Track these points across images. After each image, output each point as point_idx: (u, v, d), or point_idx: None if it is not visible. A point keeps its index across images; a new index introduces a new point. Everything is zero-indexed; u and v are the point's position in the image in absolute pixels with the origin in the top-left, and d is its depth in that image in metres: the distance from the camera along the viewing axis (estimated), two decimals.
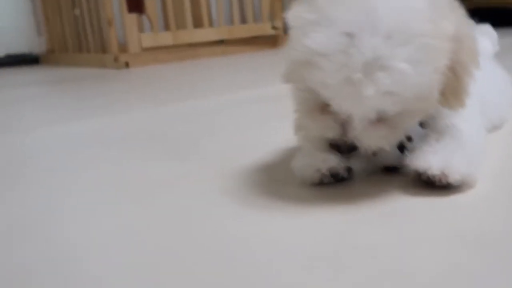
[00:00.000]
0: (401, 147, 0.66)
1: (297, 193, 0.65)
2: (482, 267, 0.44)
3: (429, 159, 0.62)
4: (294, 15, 0.59)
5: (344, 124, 0.59)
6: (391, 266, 0.45)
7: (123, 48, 2.54)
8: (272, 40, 3.00)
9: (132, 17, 2.50)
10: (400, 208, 0.59)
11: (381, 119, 0.59)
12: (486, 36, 1.03)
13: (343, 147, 0.61)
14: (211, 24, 2.90)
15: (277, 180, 0.71)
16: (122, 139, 1.05)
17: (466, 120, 0.67)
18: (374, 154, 0.65)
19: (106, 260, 0.51)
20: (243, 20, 3.03)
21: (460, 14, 0.61)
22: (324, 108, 0.59)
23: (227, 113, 1.25)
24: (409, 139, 0.65)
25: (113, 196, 0.70)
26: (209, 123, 1.16)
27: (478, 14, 0.76)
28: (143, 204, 0.66)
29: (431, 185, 0.61)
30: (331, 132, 0.60)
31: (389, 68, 0.53)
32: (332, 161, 0.65)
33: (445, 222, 0.54)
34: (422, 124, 0.66)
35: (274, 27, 2.97)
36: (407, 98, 0.55)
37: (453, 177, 0.60)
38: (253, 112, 1.24)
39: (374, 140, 0.60)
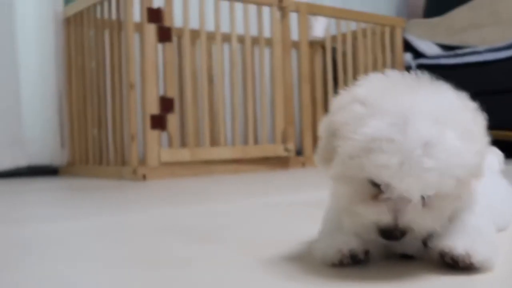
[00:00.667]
0: (424, 239, 0.71)
1: (317, 271, 0.70)
2: None
3: (453, 240, 0.67)
4: (342, 111, 0.67)
5: (397, 210, 0.65)
6: None
7: (142, 162, 2.66)
8: (283, 161, 3.13)
9: (154, 133, 2.65)
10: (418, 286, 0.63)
11: (431, 203, 0.65)
12: (493, 154, 1.14)
13: (396, 232, 0.65)
14: (226, 143, 3.04)
15: (296, 262, 0.75)
16: (140, 232, 1.11)
17: (480, 215, 0.74)
18: (424, 239, 0.69)
19: None
20: (257, 141, 3.18)
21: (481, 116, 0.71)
22: (376, 197, 0.65)
23: (242, 215, 1.32)
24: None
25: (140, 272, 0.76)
26: (226, 222, 1.22)
27: None
28: (170, 280, 0.71)
29: (452, 267, 0.66)
30: (385, 217, 0.65)
31: (444, 144, 0.61)
32: (353, 243, 0.70)
33: None
34: None
35: (286, 149, 3.11)
36: (459, 174, 0.63)
37: (476, 258, 0.65)
38: (267, 214, 1.31)
39: (425, 224, 0.66)
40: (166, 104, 2.67)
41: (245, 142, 3.09)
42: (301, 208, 1.40)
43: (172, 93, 2.73)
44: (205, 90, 2.87)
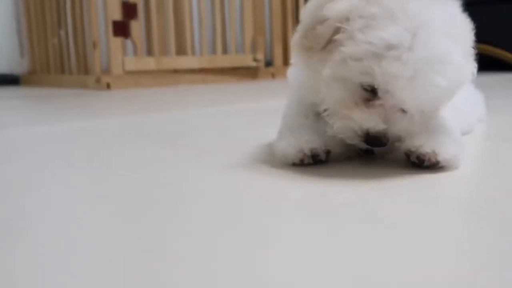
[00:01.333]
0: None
1: (277, 170, 0.68)
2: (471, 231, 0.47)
3: (420, 139, 0.66)
4: (350, 7, 0.62)
5: (389, 117, 0.63)
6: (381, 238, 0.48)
7: (106, 71, 2.57)
8: (252, 72, 3.07)
9: (117, 41, 2.54)
10: (377, 183, 0.62)
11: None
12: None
13: (384, 139, 0.64)
14: (193, 52, 2.96)
15: (257, 160, 0.73)
16: (104, 134, 1.07)
17: (447, 117, 0.73)
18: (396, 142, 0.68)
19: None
20: (225, 51, 3.10)
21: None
22: (367, 102, 0.63)
23: (207, 120, 1.29)
24: None
25: (104, 169, 0.72)
26: (190, 126, 1.19)
27: None
28: (130, 175, 0.69)
29: (417, 166, 0.65)
30: (378, 125, 0.63)
31: (453, 63, 0.61)
32: (315, 143, 0.69)
33: (425, 190, 0.57)
34: None
35: (255, 60, 3.04)
36: (458, 88, 0.64)
37: (443, 156, 0.65)
38: (230, 121, 1.28)
39: (410, 132, 0.65)
40: (129, 10, 2.55)
41: (213, 51, 3.00)
42: (264, 115, 1.37)
43: None
44: None
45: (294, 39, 0.69)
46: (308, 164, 0.69)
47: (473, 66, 0.66)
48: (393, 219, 0.49)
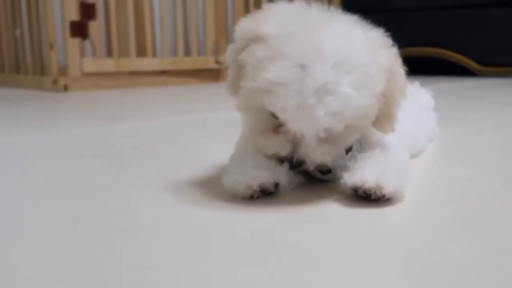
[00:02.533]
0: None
1: (227, 204, 0.67)
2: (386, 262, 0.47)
3: (364, 174, 0.67)
4: (248, 53, 0.66)
5: (295, 142, 0.66)
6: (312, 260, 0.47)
7: (63, 72, 2.51)
8: (214, 74, 3.05)
9: (75, 41, 2.49)
10: (321, 211, 0.62)
11: (326, 137, 0.66)
12: (426, 92, 1.20)
13: (292, 164, 0.68)
14: (154, 54, 2.91)
15: (208, 191, 0.72)
16: (56, 150, 1.04)
17: (391, 145, 0.74)
18: (318, 167, 0.71)
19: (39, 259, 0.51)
20: (187, 53, 3.06)
21: (392, 51, 0.71)
22: (276, 128, 0.67)
23: (165, 133, 1.27)
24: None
25: (54, 194, 0.70)
26: (147, 141, 1.17)
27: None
28: (77, 202, 0.66)
29: (366, 199, 0.66)
30: (284, 150, 0.67)
31: (337, 92, 0.61)
32: (262, 178, 0.68)
33: (363, 224, 0.57)
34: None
35: (217, 61, 3.02)
36: (350, 117, 0.63)
37: (387, 189, 0.65)
38: (191, 133, 1.26)
39: (320, 156, 0.68)
40: (87, 10, 2.49)
41: (175, 53, 2.97)
42: (224, 126, 1.36)
43: None
44: None
45: (226, 83, 0.73)
46: (258, 197, 0.68)
47: (376, 92, 0.65)
48: (334, 259, 0.48)
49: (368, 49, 0.65)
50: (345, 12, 0.71)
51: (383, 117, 0.69)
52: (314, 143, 0.66)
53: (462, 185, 0.77)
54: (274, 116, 0.65)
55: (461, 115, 1.55)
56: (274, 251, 0.52)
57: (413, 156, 0.93)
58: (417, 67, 3.51)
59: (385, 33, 0.72)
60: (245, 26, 0.68)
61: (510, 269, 0.47)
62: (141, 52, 2.81)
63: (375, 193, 0.65)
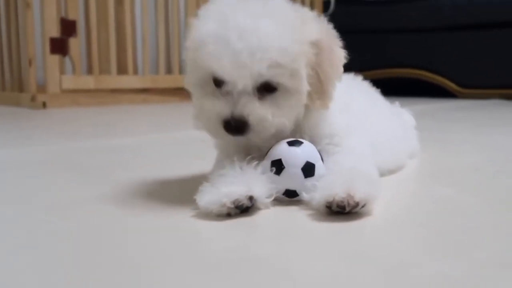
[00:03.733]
0: (307, 171, 0.70)
1: (203, 222, 0.65)
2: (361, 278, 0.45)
3: (333, 187, 0.66)
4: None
5: (234, 101, 0.69)
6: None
7: (42, 89, 2.48)
8: None
9: (54, 58, 2.46)
10: (297, 228, 0.60)
11: (265, 98, 0.69)
12: (407, 113, 1.22)
13: (235, 123, 0.69)
14: (136, 71, 2.90)
15: (183, 208, 0.70)
16: (39, 166, 1.01)
17: (356, 152, 0.75)
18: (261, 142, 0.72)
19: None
20: (169, 71, 3.05)
21: (326, 28, 0.74)
22: (215, 91, 0.70)
23: (141, 150, 1.24)
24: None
25: (23, 211, 0.67)
26: (123, 158, 1.14)
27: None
28: (48, 219, 0.64)
29: (342, 213, 0.65)
30: (224, 110, 0.69)
31: (256, 30, 0.66)
32: (235, 194, 0.66)
33: (339, 240, 0.56)
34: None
35: None
36: (275, 61, 0.67)
37: (359, 196, 0.64)
38: (168, 151, 1.24)
39: (261, 115, 0.69)
40: (68, 26, 2.47)
41: (156, 71, 2.95)
42: (204, 145, 1.34)
43: (74, 14, 2.53)
44: (111, 12, 2.68)
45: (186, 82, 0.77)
46: (236, 215, 0.66)
47: (305, 31, 0.70)
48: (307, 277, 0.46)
49: (293, 19, 0.69)
50: None
51: (315, 94, 0.71)
52: (253, 100, 0.69)
53: (440, 203, 0.76)
54: (215, 81, 0.70)
55: (441, 135, 1.56)
56: (249, 266, 0.50)
57: (391, 171, 0.92)
58: (398, 88, 3.54)
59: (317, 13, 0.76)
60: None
61: (490, 286, 0.46)
62: (121, 69, 2.79)
63: (348, 203, 0.64)
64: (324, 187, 0.66)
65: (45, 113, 2.26)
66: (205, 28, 0.68)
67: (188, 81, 0.74)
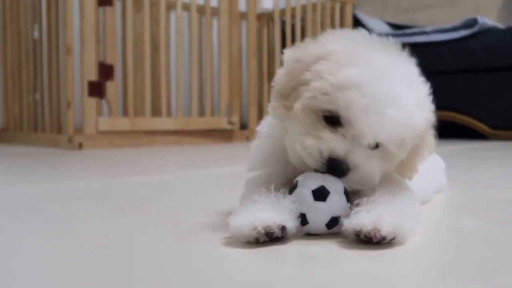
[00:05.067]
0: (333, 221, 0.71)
1: (231, 250, 0.67)
2: None
3: (361, 217, 0.67)
4: (319, 52, 0.73)
5: (351, 145, 0.70)
6: None
7: (79, 130, 2.57)
8: (227, 135, 3.09)
9: (92, 101, 2.55)
10: (323, 252, 0.61)
11: (374, 154, 0.71)
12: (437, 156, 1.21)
13: (342, 165, 0.70)
14: (169, 113, 2.97)
15: (214, 234, 0.73)
16: (66, 200, 1.06)
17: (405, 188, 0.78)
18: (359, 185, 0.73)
19: None
20: (201, 113, 3.12)
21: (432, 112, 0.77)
22: (332, 131, 0.71)
23: (175, 186, 1.28)
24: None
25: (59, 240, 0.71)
26: (156, 192, 1.18)
27: None
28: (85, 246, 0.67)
29: (369, 242, 0.66)
30: (339, 149, 0.70)
31: (405, 103, 0.69)
32: (269, 220, 0.67)
33: (361, 266, 0.57)
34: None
35: (230, 122, 3.07)
36: (407, 134, 0.70)
37: (385, 230, 0.66)
38: (200, 186, 1.27)
39: (367, 169, 0.71)
40: (105, 70, 2.57)
41: (189, 113, 3.03)
42: (235, 181, 1.37)
43: (112, 59, 2.63)
44: (147, 58, 2.78)
45: (271, 104, 0.77)
46: (265, 242, 0.67)
47: (428, 114, 0.74)
48: None
49: (422, 81, 0.75)
50: None
51: (406, 163, 0.75)
52: (368, 152, 0.70)
53: (466, 233, 0.77)
54: (328, 120, 0.71)
55: (470, 174, 1.55)
56: None
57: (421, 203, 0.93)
58: None
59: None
60: (305, 49, 0.75)
61: None
62: (156, 111, 2.87)
63: (375, 235, 0.65)
64: (354, 216, 0.68)
65: (81, 154, 2.33)
66: (355, 74, 0.69)
67: (301, 108, 0.72)
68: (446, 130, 3.56)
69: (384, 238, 0.66)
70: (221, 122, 3.06)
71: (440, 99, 3.21)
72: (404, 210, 0.71)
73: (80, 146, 2.49)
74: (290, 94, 0.73)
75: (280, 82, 0.75)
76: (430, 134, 0.77)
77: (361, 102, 0.68)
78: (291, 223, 0.69)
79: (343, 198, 0.71)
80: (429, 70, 3.37)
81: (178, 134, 2.88)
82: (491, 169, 1.69)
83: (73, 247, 0.69)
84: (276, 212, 0.69)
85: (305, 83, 0.71)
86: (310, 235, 0.71)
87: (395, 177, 0.78)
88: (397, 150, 0.71)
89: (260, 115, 3.29)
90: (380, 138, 0.70)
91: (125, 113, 2.81)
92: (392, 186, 0.75)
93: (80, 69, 2.56)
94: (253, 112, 3.26)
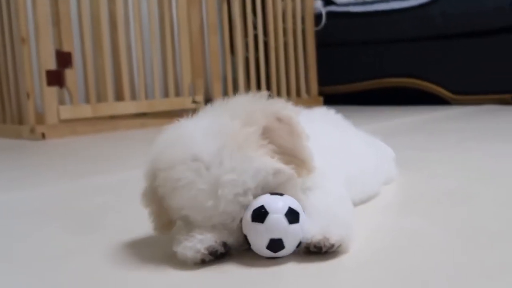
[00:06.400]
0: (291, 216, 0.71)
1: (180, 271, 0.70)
2: None
3: (309, 230, 0.71)
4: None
5: (230, 231, 0.72)
6: None
7: (41, 120, 2.54)
8: (192, 114, 3.08)
9: (52, 90, 2.52)
10: (273, 271, 0.65)
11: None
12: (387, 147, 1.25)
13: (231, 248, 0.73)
14: (133, 97, 2.96)
15: (163, 256, 0.75)
16: (29, 212, 1.07)
17: (331, 187, 0.80)
18: None
19: None
20: (165, 94, 3.11)
21: (266, 111, 0.75)
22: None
23: (137, 188, 1.29)
24: None
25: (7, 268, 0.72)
26: (117, 197, 1.19)
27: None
28: (36, 276, 0.69)
29: (319, 252, 0.70)
30: (229, 238, 0.72)
31: (223, 184, 0.68)
32: (209, 240, 0.71)
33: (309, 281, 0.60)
34: None
35: (194, 102, 3.07)
36: (254, 186, 0.70)
37: (334, 238, 0.70)
38: None
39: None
40: (63, 58, 2.54)
41: (152, 95, 3.01)
42: None
43: (70, 46, 2.59)
44: (106, 39, 2.74)
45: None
46: (210, 261, 0.71)
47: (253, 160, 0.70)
48: None
49: (231, 128, 0.72)
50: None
51: (297, 167, 0.73)
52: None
53: (405, 238, 0.80)
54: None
55: (424, 155, 1.59)
56: None
57: (362, 201, 0.97)
58: (392, 97, 3.58)
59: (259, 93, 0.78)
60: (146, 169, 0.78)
61: None
62: (119, 96, 2.85)
63: (324, 245, 0.69)
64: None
65: (44, 144, 2.32)
66: (178, 198, 0.71)
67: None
68: (409, 97, 3.63)
69: (332, 246, 0.69)
70: (186, 102, 3.05)
71: (402, 67, 3.28)
72: (343, 220, 0.74)
73: (43, 136, 2.48)
74: (160, 213, 0.76)
75: (146, 205, 0.78)
76: (283, 129, 0.74)
77: (200, 216, 0.71)
78: (232, 239, 0.73)
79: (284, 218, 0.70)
80: (390, 37, 3.40)
81: (143, 117, 2.86)
82: (447, 147, 1.73)
83: (18, 275, 0.70)
84: (215, 229, 0.72)
85: (162, 202, 0.75)
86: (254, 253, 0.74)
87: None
88: (272, 182, 0.71)
89: (225, 92, 3.29)
90: (245, 205, 0.70)
91: (87, 100, 2.79)
92: (323, 194, 0.78)
93: (37, 58, 2.51)
94: (217, 89, 3.26)
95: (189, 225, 0.74)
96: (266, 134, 0.72)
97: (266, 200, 0.70)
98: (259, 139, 0.71)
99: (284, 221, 0.69)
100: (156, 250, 0.78)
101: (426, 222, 0.88)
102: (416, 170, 1.33)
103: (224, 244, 0.72)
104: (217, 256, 0.71)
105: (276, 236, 0.69)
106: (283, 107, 0.78)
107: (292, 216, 0.69)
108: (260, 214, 0.69)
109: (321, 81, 3.74)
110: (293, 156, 0.73)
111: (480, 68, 3.24)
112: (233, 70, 3.38)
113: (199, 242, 0.70)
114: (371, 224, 0.88)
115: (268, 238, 0.69)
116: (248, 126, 0.72)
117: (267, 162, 0.70)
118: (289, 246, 0.70)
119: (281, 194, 0.71)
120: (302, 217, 0.70)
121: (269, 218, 0.69)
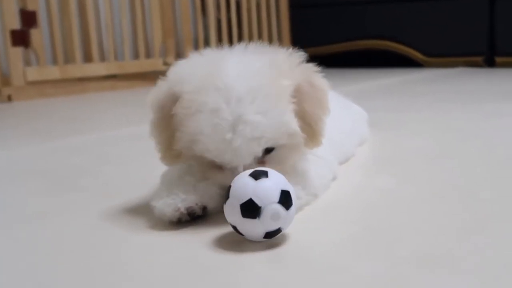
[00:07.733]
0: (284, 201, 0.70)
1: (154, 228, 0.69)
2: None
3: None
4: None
5: (236, 174, 0.68)
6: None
7: (7, 81, 2.47)
8: (163, 76, 3.03)
9: (17, 51, 2.44)
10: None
11: (265, 160, 0.71)
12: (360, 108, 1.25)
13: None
14: (103, 58, 2.88)
15: (140, 216, 0.74)
16: (1, 175, 1.04)
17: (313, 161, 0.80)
18: None
19: None
20: (135, 56, 3.04)
21: (303, 72, 0.75)
22: (219, 167, 0.71)
23: (110, 148, 1.27)
24: None
25: None
26: (92, 158, 1.17)
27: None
28: (15, 236, 0.67)
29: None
30: (227, 182, 0.68)
31: (246, 122, 0.67)
32: (191, 201, 0.71)
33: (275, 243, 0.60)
34: None
35: (165, 63, 3.01)
36: (271, 138, 0.69)
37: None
38: (136, 148, 1.26)
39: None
40: (27, 17, 2.45)
41: (123, 57, 2.94)
42: None
43: (35, 5, 2.50)
44: (72, 1, 2.65)
45: (161, 157, 0.77)
46: (186, 221, 0.70)
47: (281, 111, 0.70)
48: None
49: (269, 75, 0.70)
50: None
51: (307, 136, 0.73)
52: (254, 166, 0.69)
53: (375, 196, 0.81)
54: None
55: (397, 116, 1.60)
56: (196, 277, 0.54)
57: (341, 162, 0.97)
58: (364, 60, 3.58)
59: (297, 52, 0.77)
60: (160, 92, 0.76)
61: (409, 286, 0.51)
62: (87, 57, 2.77)
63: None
64: None
65: (11, 106, 2.25)
66: (194, 122, 0.68)
67: (185, 156, 0.74)
68: (384, 59, 3.63)
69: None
70: (156, 64, 2.99)
71: (375, 28, 3.26)
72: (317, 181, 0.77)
73: (9, 98, 2.41)
74: (170, 142, 0.73)
75: (156, 134, 0.76)
76: (313, 94, 0.74)
77: (210, 147, 0.68)
78: (211, 202, 0.73)
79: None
80: (363, 0, 3.33)
81: (112, 79, 2.80)
82: (419, 109, 1.74)
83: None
84: (197, 192, 0.72)
85: (177, 129, 0.71)
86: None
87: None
88: (284, 142, 0.71)
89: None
90: (248, 161, 0.69)
91: (54, 61, 2.71)
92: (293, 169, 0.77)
93: (1, 17, 2.42)
94: (188, 51, 3.19)
95: (191, 159, 0.73)
96: (296, 93, 0.72)
97: (251, 188, 0.62)
98: (290, 95, 0.71)
99: (281, 210, 0.61)
100: (133, 209, 0.77)
101: (398, 180, 0.88)
102: (388, 130, 1.33)
103: (204, 208, 0.72)
104: (194, 217, 0.71)
105: (274, 228, 0.62)
106: (319, 75, 0.77)
107: (286, 198, 0.62)
108: (251, 209, 0.61)
109: (295, 43, 3.70)
110: (309, 124, 0.73)
111: (452, 30, 3.25)
112: (204, 31, 3.32)
113: (181, 201, 0.70)
114: (347, 184, 0.88)
115: (264, 231, 0.62)
116: (284, 80, 0.71)
117: (293, 121, 0.70)
118: (287, 226, 0.64)
119: (265, 172, 0.64)
120: (293, 193, 0.64)
121: (264, 213, 0.61)
